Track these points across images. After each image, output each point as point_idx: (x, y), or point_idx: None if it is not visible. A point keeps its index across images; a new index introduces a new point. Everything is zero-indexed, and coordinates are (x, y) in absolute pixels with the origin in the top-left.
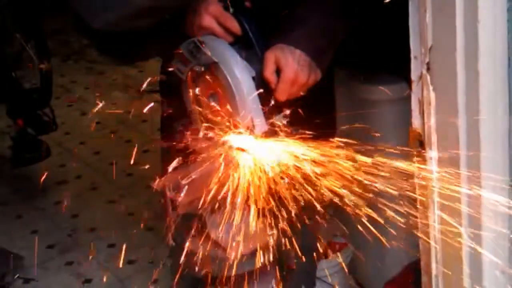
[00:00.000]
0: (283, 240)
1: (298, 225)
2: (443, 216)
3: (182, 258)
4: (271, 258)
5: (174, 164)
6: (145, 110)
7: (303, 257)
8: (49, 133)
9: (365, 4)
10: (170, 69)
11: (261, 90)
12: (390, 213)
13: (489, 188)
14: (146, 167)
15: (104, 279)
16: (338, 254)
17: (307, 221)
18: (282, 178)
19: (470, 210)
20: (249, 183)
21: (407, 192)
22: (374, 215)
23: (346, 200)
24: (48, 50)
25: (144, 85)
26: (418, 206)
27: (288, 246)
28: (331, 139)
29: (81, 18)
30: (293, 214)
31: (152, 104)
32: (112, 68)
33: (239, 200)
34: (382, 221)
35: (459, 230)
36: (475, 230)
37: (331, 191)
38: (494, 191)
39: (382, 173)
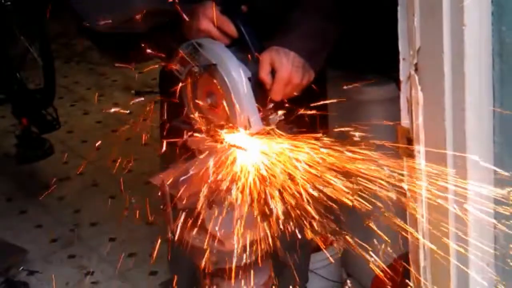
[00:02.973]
0: (277, 234)
1: (292, 219)
2: (431, 210)
3: (180, 251)
4: (265, 252)
5: (173, 161)
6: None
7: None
8: (52, 131)
9: (357, 8)
10: (169, 70)
11: (257, 91)
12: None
13: (475, 183)
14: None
15: (105, 272)
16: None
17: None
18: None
19: (457, 204)
20: (245, 179)
21: (397, 188)
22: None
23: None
24: (51, 52)
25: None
26: (407, 200)
27: (282, 240)
28: (323, 137)
29: (83, 21)
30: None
31: (142, 99)
32: (113, 69)
33: (235, 195)
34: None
35: (446, 223)
36: (461, 223)
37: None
38: (479, 185)
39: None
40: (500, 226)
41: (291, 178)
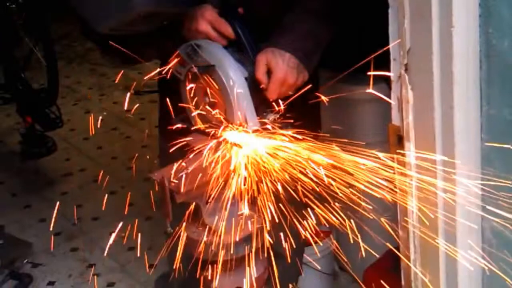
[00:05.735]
0: (272, 228)
1: (287, 214)
2: (421, 204)
3: (179, 244)
4: (260, 245)
5: (172, 158)
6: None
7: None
8: (55, 129)
9: (349, 10)
10: (169, 70)
11: (253, 90)
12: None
13: (463, 177)
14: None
15: (107, 264)
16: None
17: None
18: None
19: (446, 197)
20: (242, 175)
21: (388, 183)
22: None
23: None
24: (55, 53)
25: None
26: (397, 195)
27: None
28: (317, 135)
29: (87, 23)
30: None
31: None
32: (113, 69)
33: (232, 190)
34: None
35: (436, 217)
36: (450, 216)
37: (316, 181)
38: (467, 179)
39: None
40: (487, 218)
41: (286, 171)
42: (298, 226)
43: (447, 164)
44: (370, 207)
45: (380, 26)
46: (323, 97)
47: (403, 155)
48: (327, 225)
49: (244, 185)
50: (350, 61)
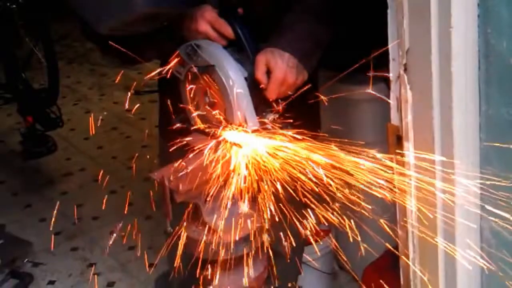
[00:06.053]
0: (272, 227)
1: (286, 214)
2: (420, 203)
3: (179, 243)
4: (260, 244)
5: (172, 158)
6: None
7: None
8: (56, 129)
9: (349, 10)
10: (169, 70)
11: (253, 90)
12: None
13: (462, 177)
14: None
15: (107, 263)
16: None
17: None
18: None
19: (444, 197)
20: (242, 174)
21: (387, 181)
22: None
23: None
24: (55, 54)
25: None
26: (396, 195)
27: (276, 233)
28: (316, 135)
29: (87, 23)
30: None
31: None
32: (113, 69)
33: (232, 189)
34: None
35: (434, 217)
36: (449, 216)
37: (315, 181)
38: (466, 178)
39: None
40: (486, 218)
41: (286, 171)
42: (298, 225)
43: (446, 164)
44: (370, 207)
45: (379, 26)
46: (322, 97)
47: (402, 155)
48: (327, 224)
49: (244, 183)
50: (350, 61)
